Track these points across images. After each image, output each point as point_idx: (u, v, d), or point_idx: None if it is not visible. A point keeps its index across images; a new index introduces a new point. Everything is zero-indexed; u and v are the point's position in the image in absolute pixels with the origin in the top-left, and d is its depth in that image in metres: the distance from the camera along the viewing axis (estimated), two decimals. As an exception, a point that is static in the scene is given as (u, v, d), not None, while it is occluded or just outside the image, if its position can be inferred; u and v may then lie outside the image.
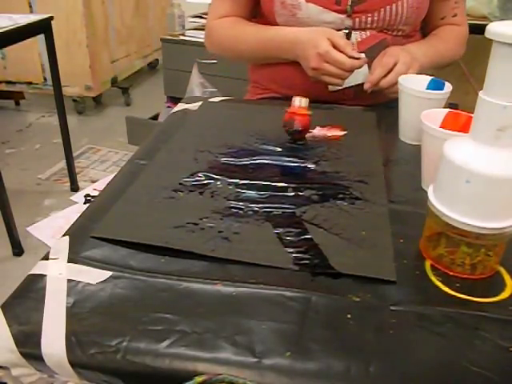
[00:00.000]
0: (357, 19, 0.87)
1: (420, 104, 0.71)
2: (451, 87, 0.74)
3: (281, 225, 0.54)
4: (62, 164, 2.10)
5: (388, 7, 0.86)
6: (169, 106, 2.53)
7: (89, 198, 1.97)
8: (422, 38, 0.99)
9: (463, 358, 0.39)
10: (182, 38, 2.51)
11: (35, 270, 0.48)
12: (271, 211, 0.57)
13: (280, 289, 0.45)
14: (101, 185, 2.03)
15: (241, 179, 0.63)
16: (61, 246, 0.51)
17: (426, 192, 0.51)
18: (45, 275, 0.47)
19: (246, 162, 0.68)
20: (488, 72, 0.44)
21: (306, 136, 0.76)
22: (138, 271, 0.48)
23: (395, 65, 0.82)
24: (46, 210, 1.90)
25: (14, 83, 2.68)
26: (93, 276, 0.47)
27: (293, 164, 0.68)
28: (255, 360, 0.38)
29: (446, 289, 0.46)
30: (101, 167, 2.24)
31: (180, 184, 0.62)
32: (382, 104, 0.92)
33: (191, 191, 0.61)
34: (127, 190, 0.61)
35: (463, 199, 0.46)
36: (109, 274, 0.47)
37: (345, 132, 0.79)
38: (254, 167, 0.67)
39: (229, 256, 0.49)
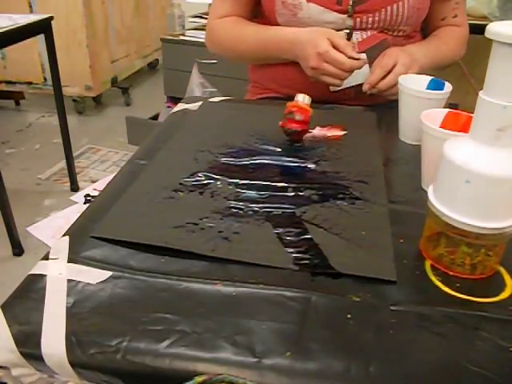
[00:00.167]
0: (358, 19, 0.87)
1: (420, 104, 0.71)
2: (451, 87, 0.74)
3: (281, 225, 0.54)
4: (62, 164, 2.10)
5: (389, 7, 0.86)
6: (169, 106, 2.53)
7: (89, 198, 1.97)
8: (422, 39, 0.99)
9: (463, 358, 0.39)
10: (182, 38, 2.51)
11: (35, 270, 0.48)
12: (271, 211, 0.57)
13: (280, 289, 0.45)
14: (101, 185, 2.03)
15: (241, 179, 0.63)
16: (61, 246, 0.51)
17: (425, 192, 0.51)
18: (45, 275, 0.47)
19: (245, 162, 0.68)
20: (488, 72, 0.44)
21: (307, 136, 0.76)
22: (138, 271, 0.48)
23: (394, 66, 0.82)
24: (46, 209, 1.90)
25: (14, 83, 2.68)
26: (93, 276, 0.47)
27: (293, 164, 0.68)
28: (255, 360, 0.38)
29: (446, 289, 0.46)
30: (101, 167, 2.24)
31: (180, 184, 0.62)
32: (382, 104, 0.92)
33: (191, 191, 0.61)
34: (127, 189, 0.61)
35: (463, 199, 0.46)
36: (109, 273, 0.47)
37: (345, 132, 0.79)
38: (254, 167, 0.67)
39: (229, 256, 0.49)
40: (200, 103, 0.90)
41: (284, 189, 0.62)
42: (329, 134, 0.78)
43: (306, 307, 0.43)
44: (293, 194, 0.61)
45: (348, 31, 0.88)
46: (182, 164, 0.67)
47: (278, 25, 0.91)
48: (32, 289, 0.46)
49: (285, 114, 0.73)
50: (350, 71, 0.81)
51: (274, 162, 0.69)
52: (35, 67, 2.60)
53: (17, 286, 0.47)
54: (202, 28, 2.56)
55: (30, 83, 2.66)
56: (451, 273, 0.48)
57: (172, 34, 2.57)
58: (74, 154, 2.12)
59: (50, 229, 1.76)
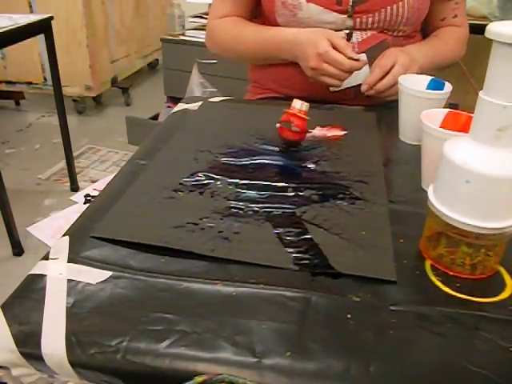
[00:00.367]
0: (358, 19, 0.87)
1: (420, 104, 0.71)
2: (451, 87, 0.74)
3: (281, 225, 0.54)
4: (62, 164, 2.10)
5: (389, 8, 0.86)
6: (169, 106, 2.53)
7: (89, 198, 1.97)
8: (422, 39, 0.99)
9: (463, 358, 0.39)
10: (182, 38, 2.51)
11: (35, 270, 0.48)
12: (271, 211, 0.57)
13: (280, 289, 0.45)
14: (101, 185, 2.03)
15: (241, 179, 0.63)
16: (61, 246, 0.51)
17: (425, 192, 0.51)
18: (45, 275, 0.47)
19: (245, 162, 0.68)
20: (488, 72, 0.44)
21: (307, 136, 0.76)
22: (138, 271, 0.48)
23: (393, 66, 0.82)
24: (46, 209, 1.90)
25: (14, 83, 2.68)
26: (93, 276, 0.47)
27: (293, 164, 0.68)
28: (255, 360, 0.38)
29: (446, 289, 0.46)
30: (101, 167, 2.24)
31: (180, 184, 0.62)
32: (382, 104, 0.92)
33: (191, 191, 0.61)
34: (127, 190, 0.61)
35: (463, 199, 0.46)
36: (109, 273, 0.47)
37: (345, 132, 0.79)
38: (254, 167, 0.67)
39: (229, 256, 0.49)
40: (200, 103, 0.90)
41: (284, 189, 0.62)
42: (329, 134, 0.78)
43: (306, 307, 0.44)
44: (293, 194, 0.61)
45: (348, 31, 0.88)
46: (182, 164, 0.67)
47: (277, 25, 0.91)
48: (32, 289, 0.46)
49: (282, 120, 0.71)
50: (350, 72, 0.81)
51: (274, 162, 0.69)
52: (35, 67, 2.60)
53: (17, 286, 0.47)
54: (202, 28, 2.56)
55: (30, 83, 2.66)
56: (451, 273, 0.48)
57: (172, 34, 2.57)
58: (74, 154, 2.12)
59: (50, 229, 1.76)
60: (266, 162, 0.69)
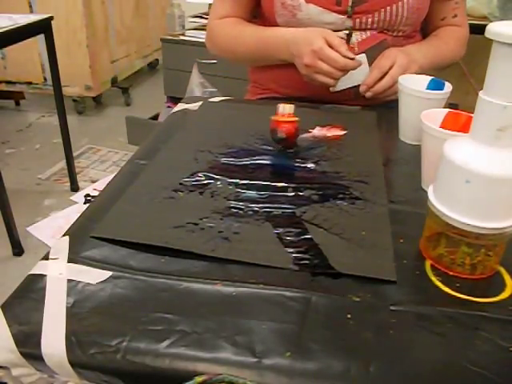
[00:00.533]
0: (357, 20, 0.87)
1: (420, 104, 0.71)
2: (451, 87, 0.74)
3: (281, 225, 0.54)
4: (62, 164, 2.10)
5: (388, 8, 0.86)
6: (169, 106, 2.53)
7: (89, 198, 1.97)
8: (422, 39, 0.99)
9: (463, 358, 0.39)
10: (182, 38, 2.51)
11: (35, 270, 0.48)
12: (271, 211, 0.57)
13: (280, 289, 0.45)
14: (101, 185, 2.03)
15: (241, 179, 0.63)
16: (61, 246, 0.51)
17: (425, 192, 0.51)
18: (45, 275, 0.47)
19: (246, 162, 0.68)
20: (488, 72, 0.44)
21: (307, 136, 0.76)
22: (138, 271, 0.48)
23: (392, 67, 0.82)
24: (46, 209, 1.90)
25: (14, 83, 2.68)
26: (93, 276, 0.47)
27: (293, 164, 0.68)
28: (255, 360, 0.38)
29: (446, 289, 0.46)
30: (101, 167, 2.24)
31: (180, 184, 0.62)
32: (382, 104, 0.92)
33: (191, 191, 0.61)
34: (127, 190, 0.61)
35: (463, 199, 0.46)
36: (109, 273, 0.47)
37: (345, 132, 0.79)
38: (254, 167, 0.67)
39: (229, 256, 0.49)
40: (200, 103, 0.90)
41: (284, 189, 0.62)
42: (329, 134, 0.78)
43: (306, 307, 0.44)
44: (293, 194, 0.61)
45: (347, 32, 0.88)
46: (182, 164, 0.67)
47: (277, 26, 0.91)
48: (32, 289, 0.46)
49: (270, 128, 0.71)
50: (344, 70, 0.81)
51: (274, 162, 0.69)
52: (35, 67, 2.60)
53: (17, 286, 0.47)
54: (202, 28, 2.56)
55: (30, 83, 2.66)
56: (451, 273, 0.48)
57: (172, 34, 2.56)
58: (74, 154, 2.12)
59: (50, 229, 1.76)
60: (266, 162, 0.69)
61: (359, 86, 0.86)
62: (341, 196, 0.60)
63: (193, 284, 0.46)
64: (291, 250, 0.50)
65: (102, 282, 0.46)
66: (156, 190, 0.61)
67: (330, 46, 0.79)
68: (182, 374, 0.38)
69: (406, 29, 0.90)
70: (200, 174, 0.64)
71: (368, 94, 0.85)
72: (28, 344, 0.41)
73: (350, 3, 0.86)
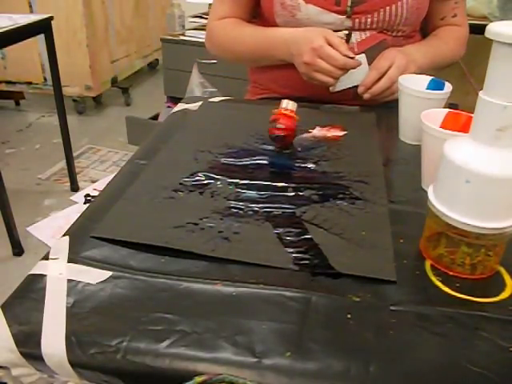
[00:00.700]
0: (356, 20, 0.87)
1: (420, 104, 0.71)
2: (451, 87, 0.74)
3: (281, 225, 0.54)
4: (62, 164, 2.10)
5: (388, 8, 0.86)
6: (169, 106, 2.53)
7: (89, 198, 1.97)
8: (422, 39, 0.99)
9: (463, 358, 0.39)
10: (182, 38, 2.51)
11: (35, 270, 0.48)
12: (271, 211, 0.57)
13: (280, 289, 0.45)
14: (101, 185, 2.03)
15: (241, 179, 0.63)
16: (61, 246, 0.51)
17: (425, 192, 0.51)
18: (45, 275, 0.47)
19: (246, 162, 0.68)
20: (488, 72, 0.44)
21: (307, 136, 0.76)
22: (138, 271, 0.48)
23: (390, 68, 0.82)
24: (46, 209, 1.90)
25: (14, 83, 2.68)
26: (93, 276, 0.47)
27: (293, 164, 0.68)
28: (255, 360, 0.38)
29: (446, 289, 0.46)
30: (101, 167, 2.24)
31: (180, 184, 0.62)
32: (382, 104, 0.92)
33: (191, 191, 0.61)
34: (127, 190, 0.61)
35: (463, 199, 0.46)
36: (109, 273, 0.47)
37: (345, 132, 0.79)
38: (254, 167, 0.67)
39: (229, 256, 0.49)
40: (200, 103, 0.90)
41: (284, 189, 0.62)
42: (329, 134, 0.78)
43: (306, 307, 0.44)
44: (293, 193, 0.61)
45: (347, 32, 0.88)
46: (182, 164, 0.67)
47: (276, 26, 0.91)
48: (32, 289, 0.46)
49: (270, 120, 0.71)
50: (344, 69, 0.81)
51: (274, 162, 0.69)
52: (35, 67, 2.60)
53: (17, 286, 0.47)
54: (202, 28, 2.56)
55: (30, 83, 2.66)
56: (451, 273, 0.48)
57: (172, 34, 2.57)
58: (74, 154, 2.12)
59: (50, 229, 1.76)
60: (266, 162, 0.69)
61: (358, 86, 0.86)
62: (341, 196, 0.60)
63: (193, 284, 0.46)
64: (291, 249, 0.50)
65: (102, 282, 0.46)
66: (156, 190, 0.61)
67: (330, 45, 0.80)
68: (182, 373, 0.38)
69: (405, 29, 0.90)
70: (200, 174, 0.64)
71: (366, 96, 0.85)
72: (28, 344, 0.41)
73: (349, 3, 0.86)
